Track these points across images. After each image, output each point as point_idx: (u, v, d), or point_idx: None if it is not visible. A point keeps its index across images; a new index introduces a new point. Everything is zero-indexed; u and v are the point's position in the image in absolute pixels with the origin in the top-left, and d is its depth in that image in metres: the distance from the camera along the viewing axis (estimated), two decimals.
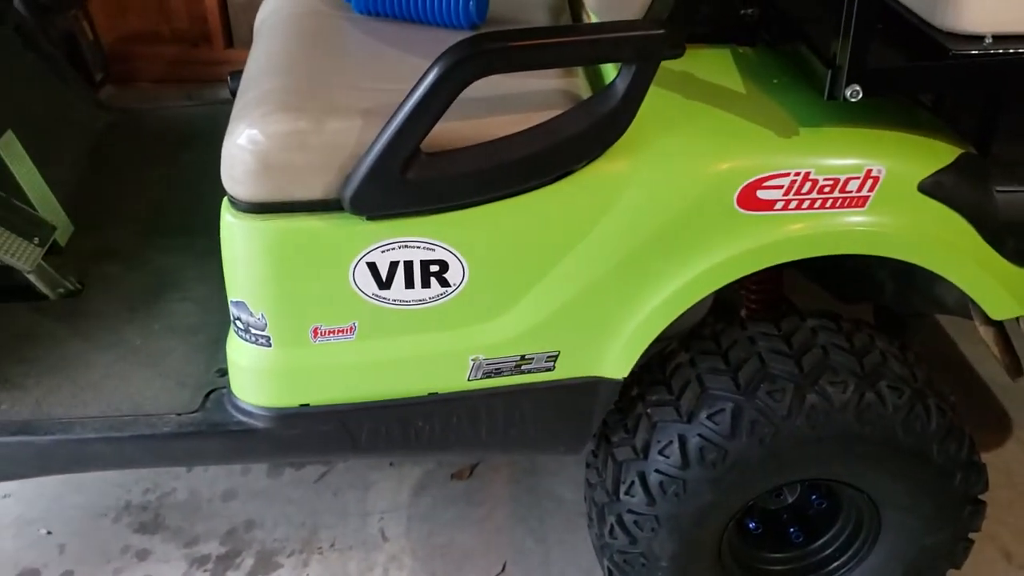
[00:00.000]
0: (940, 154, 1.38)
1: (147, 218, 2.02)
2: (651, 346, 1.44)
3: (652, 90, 1.30)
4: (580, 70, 1.49)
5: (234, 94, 1.80)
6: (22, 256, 1.72)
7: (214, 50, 3.53)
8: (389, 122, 1.26)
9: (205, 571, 1.92)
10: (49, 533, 1.99)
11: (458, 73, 1.22)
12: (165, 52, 3.53)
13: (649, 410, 1.49)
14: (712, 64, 1.50)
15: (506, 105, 1.35)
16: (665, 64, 1.29)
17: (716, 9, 1.58)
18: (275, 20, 1.67)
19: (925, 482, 1.48)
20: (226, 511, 2.04)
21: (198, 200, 2.05)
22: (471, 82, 1.23)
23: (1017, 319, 1.48)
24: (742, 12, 1.58)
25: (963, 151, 1.39)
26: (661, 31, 1.24)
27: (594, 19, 1.55)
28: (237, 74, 1.78)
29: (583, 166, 1.32)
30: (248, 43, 3.55)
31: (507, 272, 1.38)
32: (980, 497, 1.52)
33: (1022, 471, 2.10)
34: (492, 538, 1.98)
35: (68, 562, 1.93)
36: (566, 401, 1.48)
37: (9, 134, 1.90)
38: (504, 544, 1.97)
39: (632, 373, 1.46)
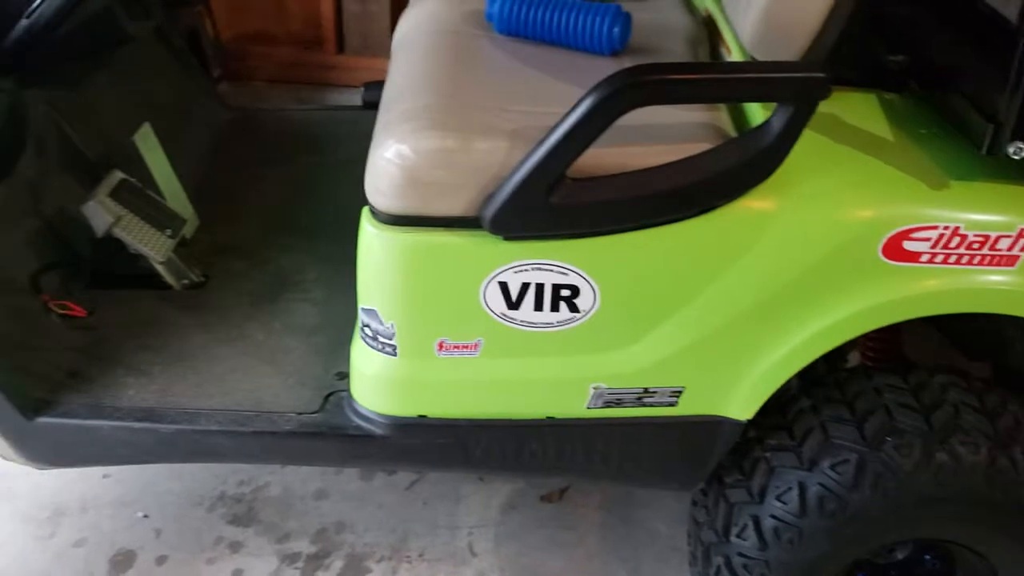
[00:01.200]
0: None
1: (268, 217, 2.06)
2: None
3: None
4: (724, 105, 1.48)
5: (367, 104, 1.83)
6: (155, 246, 1.77)
7: (325, 54, 3.59)
8: (539, 145, 1.27)
9: (295, 569, 1.94)
10: (146, 516, 2.03)
11: (616, 102, 1.22)
12: (277, 53, 3.60)
13: (768, 454, 1.46)
14: (859, 109, 1.48)
15: (652, 135, 1.35)
16: None
17: (863, 53, 1.56)
18: (417, 36, 1.69)
19: None
20: (317, 510, 2.06)
21: (317, 204, 2.09)
22: (627, 111, 1.23)
23: None
24: (890, 58, 1.55)
25: None
26: (823, 74, 1.22)
27: (736, 54, 1.54)
28: (373, 85, 1.81)
29: (728, 202, 1.31)
30: (358, 51, 3.63)
31: (639, 303, 1.38)
32: None
33: None
34: (583, 564, 1.97)
35: (163, 547, 1.97)
36: (685, 438, 1.47)
37: (146, 126, 1.95)
38: (595, 572, 1.95)
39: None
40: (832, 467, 1.39)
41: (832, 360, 1.64)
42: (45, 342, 1.61)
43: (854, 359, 1.82)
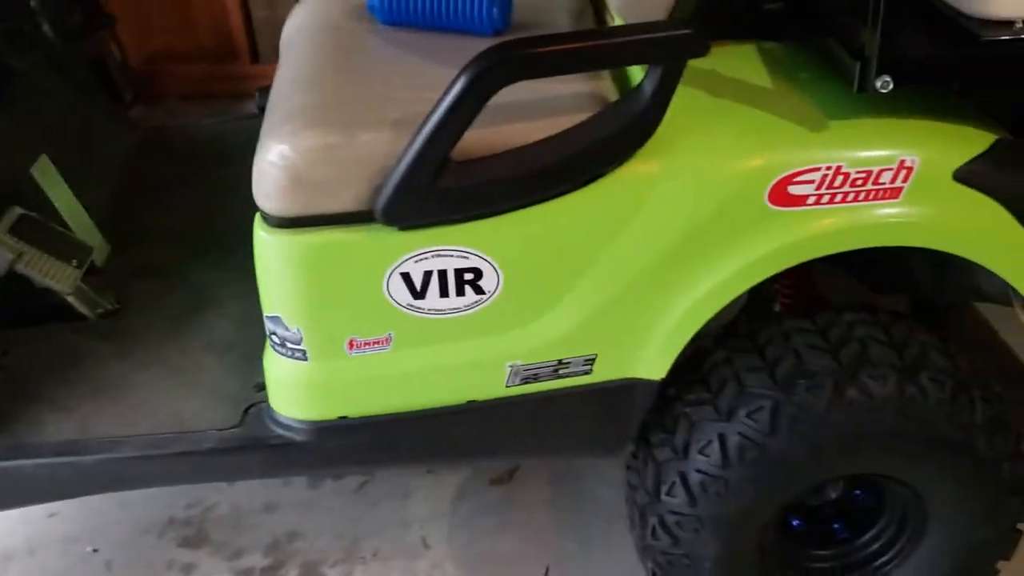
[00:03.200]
0: (974, 141, 1.36)
1: (182, 236, 2.04)
2: (687, 345, 1.44)
3: (679, 89, 1.29)
4: (607, 72, 1.48)
5: (262, 110, 1.81)
6: (61, 279, 1.74)
7: (240, 66, 3.55)
8: (418, 132, 1.27)
9: None
10: (95, 551, 2.02)
11: (485, 81, 1.22)
12: (191, 70, 3.56)
13: (687, 409, 1.48)
14: (737, 61, 1.50)
15: (534, 110, 1.35)
16: (691, 62, 1.29)
17: (739, 4, 1.57)
18: (301, 35, 1.68)
19: (971, 475, 1.46)
20: (268, 523, 2.06)
21: (231, 216, 2.07)
22: (499, 89, 1.23)
23: None
24: (766, 7, 1.56)
25: (998, 137, 1.37)
26: (687, 31, 1.23)
27: (618, 20, 1.55)
28: (265, 90, 1.79)
29: (613, 169, 1.32)
30: (273, 58, 3.58)
31: (541, 277, 1.38)
32: None
33: None
34: (533, 542, 1.98)
35: None
36: (605, 404, 1.48)
37: (44, 158, 1.93)
38: (546, 548, 1.96)
39: (669, 373, 1.46)
40: (748, 415, 1.41)
41: (755, 312, 1.67)
42: None
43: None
